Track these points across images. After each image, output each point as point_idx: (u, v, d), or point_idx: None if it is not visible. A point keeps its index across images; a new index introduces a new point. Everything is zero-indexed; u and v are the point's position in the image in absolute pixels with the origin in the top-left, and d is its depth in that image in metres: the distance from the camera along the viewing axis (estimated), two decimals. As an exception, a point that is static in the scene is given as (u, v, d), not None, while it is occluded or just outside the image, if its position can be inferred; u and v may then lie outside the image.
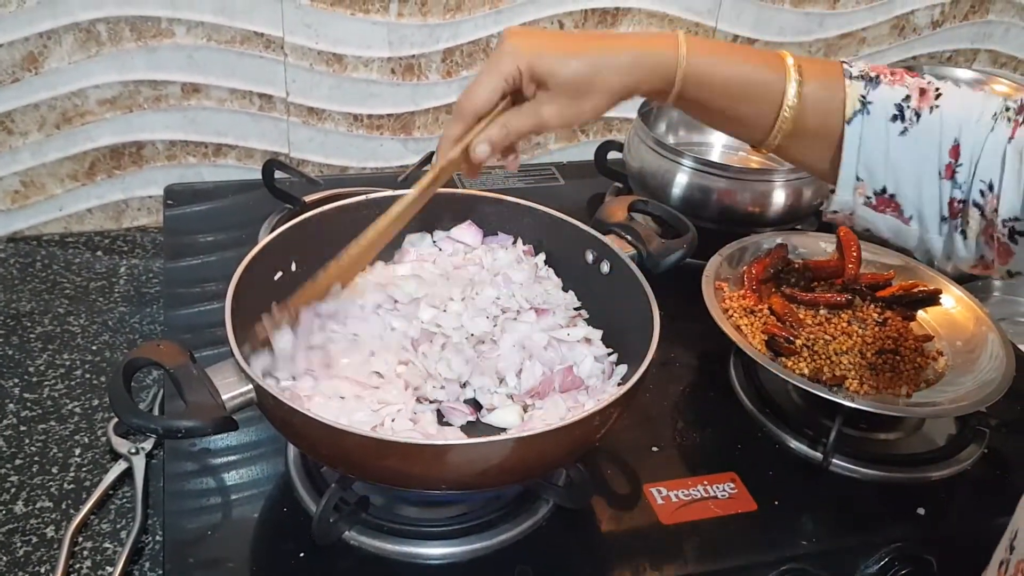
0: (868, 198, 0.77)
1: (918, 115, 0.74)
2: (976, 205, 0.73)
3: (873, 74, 0.76)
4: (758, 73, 0.76)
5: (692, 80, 0.75)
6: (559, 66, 0.74)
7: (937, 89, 0.75)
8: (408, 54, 1.36)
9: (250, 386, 0.72)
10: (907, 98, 0.74)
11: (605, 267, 0.94)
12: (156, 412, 0.99)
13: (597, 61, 0.75)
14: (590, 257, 0.95)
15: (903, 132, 0.74)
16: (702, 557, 0.84)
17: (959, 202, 0.74)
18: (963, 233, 0.75)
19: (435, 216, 1.00)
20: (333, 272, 0.85)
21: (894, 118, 0.74)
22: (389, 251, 0.99)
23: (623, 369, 0.88)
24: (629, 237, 0.95)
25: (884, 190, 0.76)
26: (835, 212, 0.80)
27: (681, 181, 1.21)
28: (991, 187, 0.72)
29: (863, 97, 0.74)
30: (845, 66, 0.76)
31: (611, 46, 0.76)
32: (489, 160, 0.79)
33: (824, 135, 0.76)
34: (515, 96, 0.77)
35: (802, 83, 0.75)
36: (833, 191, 0.79)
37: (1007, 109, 0.73)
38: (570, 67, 0.74)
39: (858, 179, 0.76)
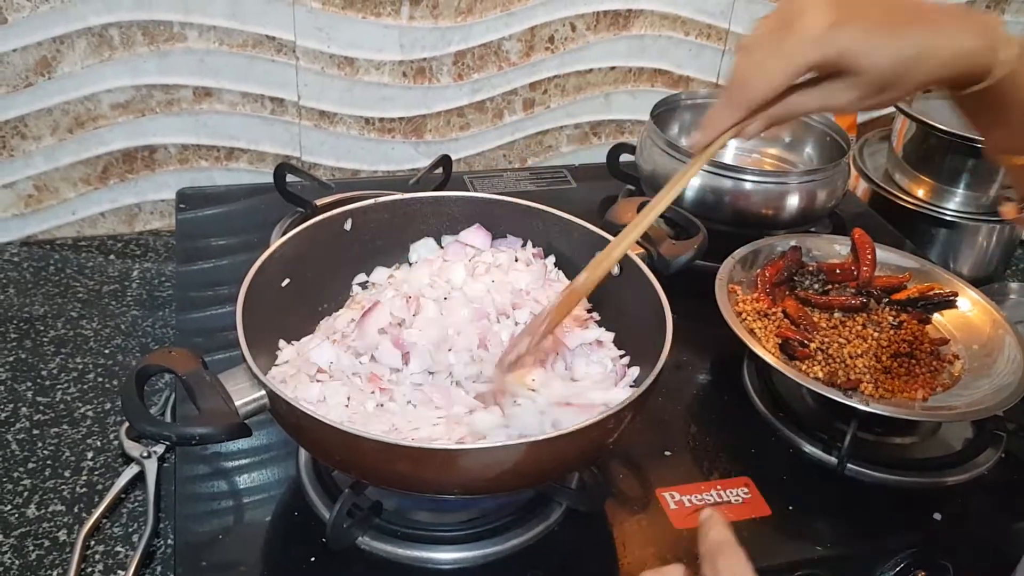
0: None
1: None
2: None
3: None
4: None
5: (1014, 77, 0.67)
6: (874, 58, 0.63)
7: None
8: (419, 57, 1.36)
9: (263, 391, 0.72)
10: None
11: (616, 269, 0.93)
12: (168, 416, 0.99)
13: (918, 54, 0.64)
14: (601, 259, 0.95)
15: None
16: (716, 562, 0.83)
17: None
18: None
19: (446, 218, 1.00)
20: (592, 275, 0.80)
21: None
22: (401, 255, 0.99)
23: (635, 371, 0.87)
24: (639, 239, 0.94)
25: None
26: None
27: (694, 183, 1.20)
28: None
29: None
30: None
31: (939, 28, 0.65)
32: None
33: None
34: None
35: None
36: None
37: None
38: (886, 60, 0.63)
39: None
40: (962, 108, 0.72)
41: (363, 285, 0.98)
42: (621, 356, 0.90)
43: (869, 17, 0.63)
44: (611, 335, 0.92)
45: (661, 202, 0.77)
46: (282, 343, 0.88)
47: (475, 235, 0.99)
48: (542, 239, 0.99)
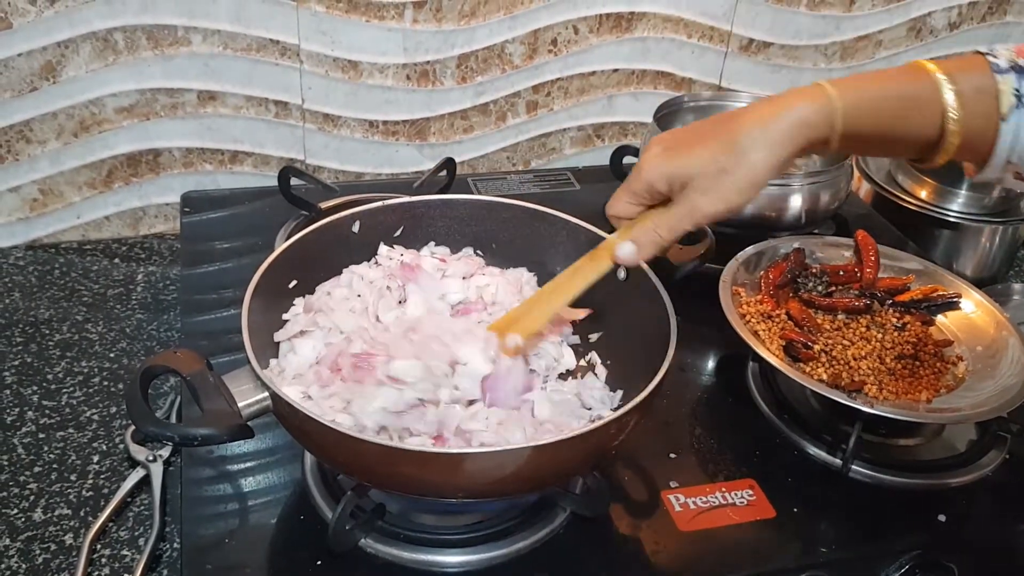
0: (1019, 173, 0.76)
1: None
2: None
3: (1021, 61, 0.73)
4: (912, 90, 0.74)
5: (854, 120, 0.74)
6: (692, 160, 0.75)
7: None
8: (423, 60, 1.36)
9: (266, 393, 0.72)
10: None
11: (622, 273, 0.92)
12: (173, 419, 1.00)
13: (738, 140, 0.74)
14: (606, 263, 0.95)
15: None
16: (720, 565, 0.83)
17: None
18: None
19: (454, 221, 1.00)
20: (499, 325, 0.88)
21: None
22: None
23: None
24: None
25: None
26: (979, 180, 0.80)
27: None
28: None
29: (1017, 91, 0.72)
30: (989, 59, 0.73)
31: (757, 122, 0.74)
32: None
33: (982, 136, 0.74)
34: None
35: (957, 89, 0.73)
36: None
37: None
38: (706, 155, 0.75)
39: (1009, 162, 0.75)
40: (846, 150, 0.84)
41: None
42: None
43: (686, 138, 0.78)
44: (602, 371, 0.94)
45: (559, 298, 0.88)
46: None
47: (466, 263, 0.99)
48: (546, 242, 0.99)
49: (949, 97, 0.73)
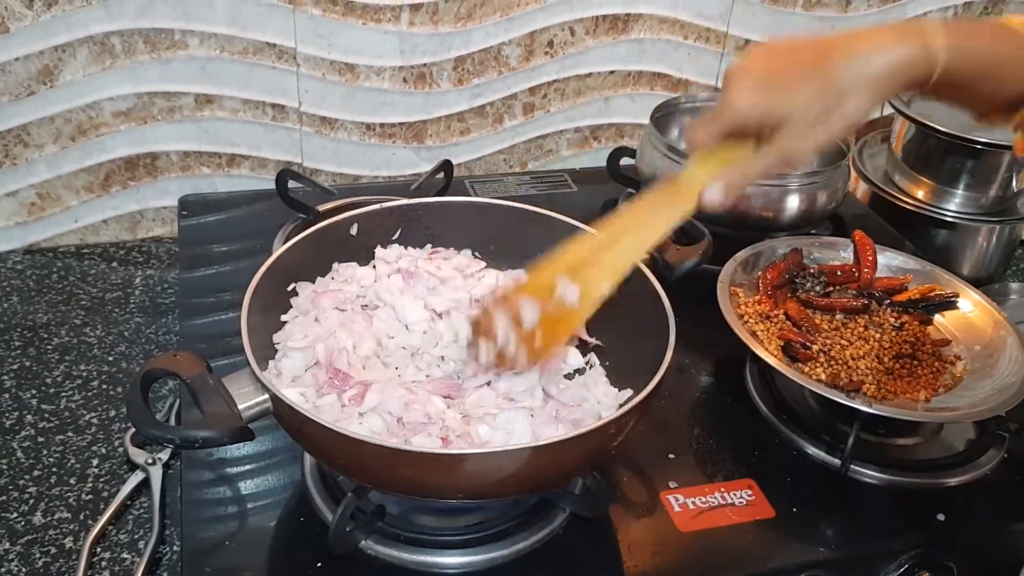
0: None
1: None
2: None
3: None
4: (1003, 47, 0.74)
5: (951, 67, 0.72)
6: (790, 104, 0.72)
7: None
8: (420, 63, 1.36)
9: (266, 395, 0.72)
10: None
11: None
12: (172, 422, 1.00)
13: (836, 83, 0.71)
14: (604, 264, 0.95)
15: None
16: (720, 565, 0.83)
17: None
18: None
19: (451, 223, 1.00)
20: (556, 263, 0.83)
21: None
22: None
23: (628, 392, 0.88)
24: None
25: None
26: None
27: (695, 187, 1.20)
28: None
29: None
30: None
31: (854, 57, 0.72)
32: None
33: None
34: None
35: None
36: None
37: None
38: (803, 100, 0.72)
39: None
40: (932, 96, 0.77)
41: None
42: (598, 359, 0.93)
43: (782, 76, 0.73)
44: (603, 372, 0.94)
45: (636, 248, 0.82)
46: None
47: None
48: (545, 244, 0.99)
49: None
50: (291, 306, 0.91)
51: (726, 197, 0.76)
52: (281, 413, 0.73)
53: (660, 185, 0.80)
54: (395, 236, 0.98)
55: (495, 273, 0.97)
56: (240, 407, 0.72)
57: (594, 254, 0.82)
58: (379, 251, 0.97)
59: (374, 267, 0.96)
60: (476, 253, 1.01)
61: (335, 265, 0.95)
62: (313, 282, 0.93)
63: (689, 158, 0.78)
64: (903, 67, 0.71)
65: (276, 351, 0.87)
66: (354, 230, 0.95)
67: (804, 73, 0.72)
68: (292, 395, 0.77)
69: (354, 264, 0.96)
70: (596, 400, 0.87)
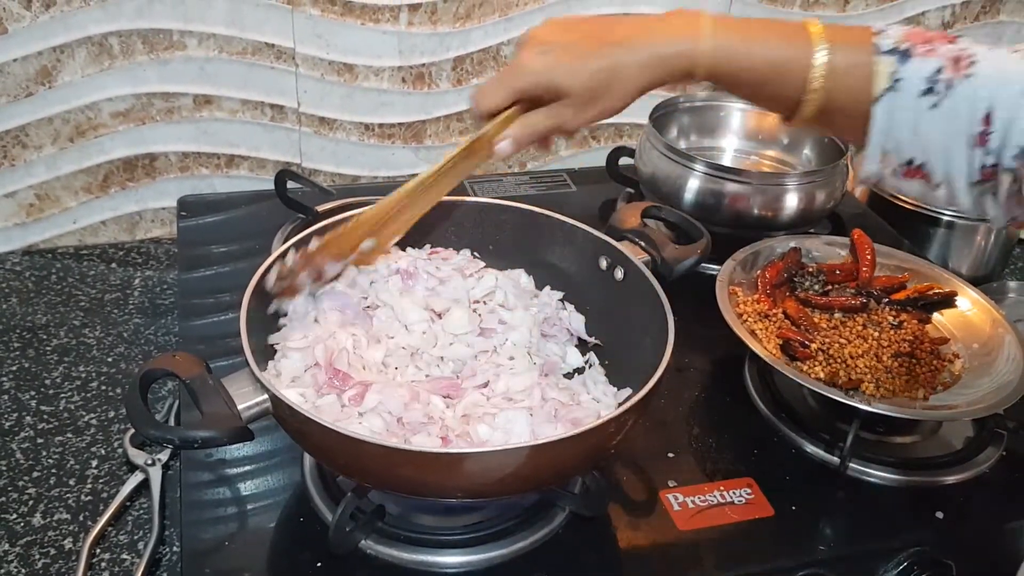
0: (895, 169, 0.76)
1: (949, 86, 0.71)
2: (1008, 170, 0.71)
3: (905, 46, 0.73)
4: (784, 52, 0.76)
5: (715, 67, 0.77)
6: (570, 80, 0.78)
7: (971, 56, 0.72)
8: (418, 63, 1.37)
9: (265, 396, 0.72)
10: (939, 70, 0.71)
11: (619, 274, 0.94)
12: (172, 422, 1.00)
13: (613, 65, 0.77)
14: (604, 264, 0.95)
15: (933, 106, 0.72)
16: (719, 564, 0.84)
17: (990, 167, 0.72)
18: (994, 195, 0.73)
19: (450, 223, 1.00)
20: (365, 219, 0.89)
21: (925, 92, 0.72)
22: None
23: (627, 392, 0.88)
24: (643, 243, 0.95)
25: (911, 162, 0.75)
26: (864, 179, 0.80)
27: (693, 186, 1.21)
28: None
29: (893, 74, 0.72)
30: (876, 38, 0.74)
31: (628, 44, 0.77)
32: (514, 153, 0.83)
33: (853, 111, 0.75)
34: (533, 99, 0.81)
35: (829, 60, 0.74)
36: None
37: None
38: (580, 80, 0.78)
39: (885, 152, 0.75)
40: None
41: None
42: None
43: (569, 49, 0.78)
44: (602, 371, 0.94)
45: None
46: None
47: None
48: (543, 243, 1.00)
49: (819, 64, 0.74)
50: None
51: (515, 149, 0.82)
52: (281, 413, 0.73)
53: (458, 147, 0.86)
54: None
55: (494, 273, 0.98)
56: (240, 407, 0.72)
57: (394, 213, 0.90)
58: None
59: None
60: (475, 253, 1.01)
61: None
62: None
63: (478, 118, 0.84)
64: (668, 60, 0.77)
65: (275, 351, 0.87)
66: None
67: (587, 50, 0.78)
68: (292, 395, 0.77)
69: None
70: (595, 399, 0.87)
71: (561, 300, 0.99)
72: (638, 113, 1.52)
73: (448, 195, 0.92)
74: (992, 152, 0.71)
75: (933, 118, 0.72)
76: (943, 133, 0.72)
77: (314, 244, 0.88)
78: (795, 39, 0.76)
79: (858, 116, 0.75)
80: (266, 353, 0.85)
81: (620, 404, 0.80)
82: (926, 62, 0.72)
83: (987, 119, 0.71)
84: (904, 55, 0.73)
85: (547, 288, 0.99)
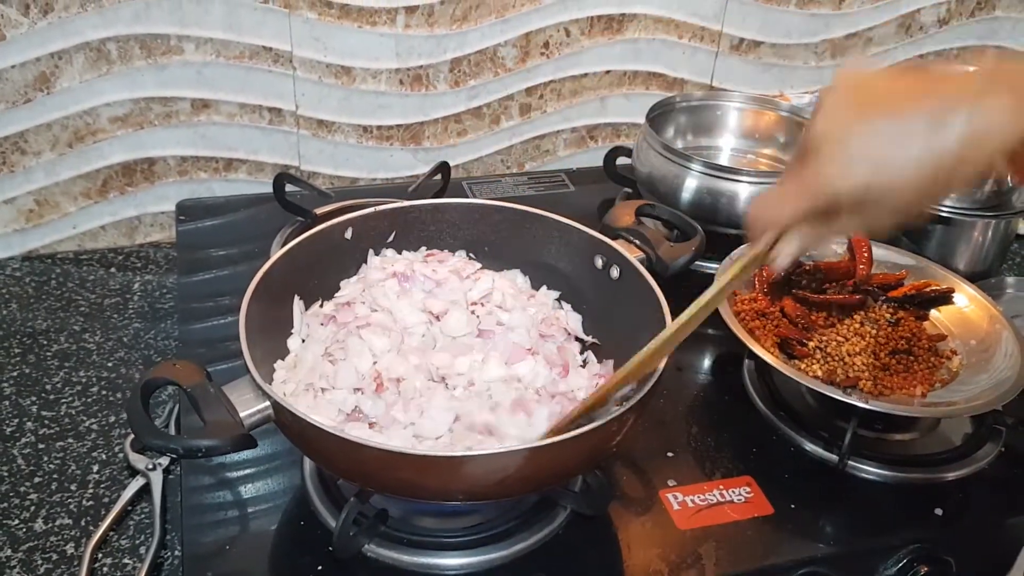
0: None
1: None
2: None
3: None
4: None
5: None
6: (895, 195, 0.60)
7: None
8: (416, 65, 1.37)
9: (267, 403, 0.73)
10: None
11: (615, 272, 0.94)
12: (172, 427, 1.00)
13: (951, 166, 0.58)
14: (599, 263, 0.96)
15: None
16: (719, 562, 0.84)
17: None
18: None
19: (446, 224, 1.01)
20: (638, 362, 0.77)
21: None
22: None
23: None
24: (637, 241, 0.95)
25: None
26: None
27: (691, 185, 1.21)
28: None
29: None
30: None
31: (966, 147, 0.58)
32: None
33: None
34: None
35: None
36: None
37: None
38: (910, 191, 0.59)
39: None
40: None
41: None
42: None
43: (890, 151, 0.59)
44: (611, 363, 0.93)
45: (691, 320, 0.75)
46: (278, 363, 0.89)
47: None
48: (539, 243, 1.00)
49: None
50: (291, 311, 0.91)
51: (794, 260, 0.69)
52: (283, 420, 0.73)
53: (730, 271, 0.73)
54: (390, 239, 0.99)
55: (491, 274, 0.98)
56: (242, 415, 0.72)
57: (661, 345, 0.76)
58: (371, 258, 0.98)
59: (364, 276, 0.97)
60: (471, 254, 1.01)
61: (342, 283, 0.96)
62: (319, 303, 0.94)
63: (756, 239, 0.69)
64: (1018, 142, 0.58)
65: (277, 353, 0.88)
66: (348, 234, 0.95)
67: (918, 149, 0.58)
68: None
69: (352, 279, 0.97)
70: None
71: (558, 299, 0.99)
72: (635, 113, 1.53)
73: (445, 197, 0.92)
74: None
75: None
76: None
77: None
78: None
79: None
80: (268, 356, 0.86)
81: (619, 403, 0.80)
82: None
83: None
84: None
85: (543, 288, 1.00)
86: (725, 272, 0.73)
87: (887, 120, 0.59)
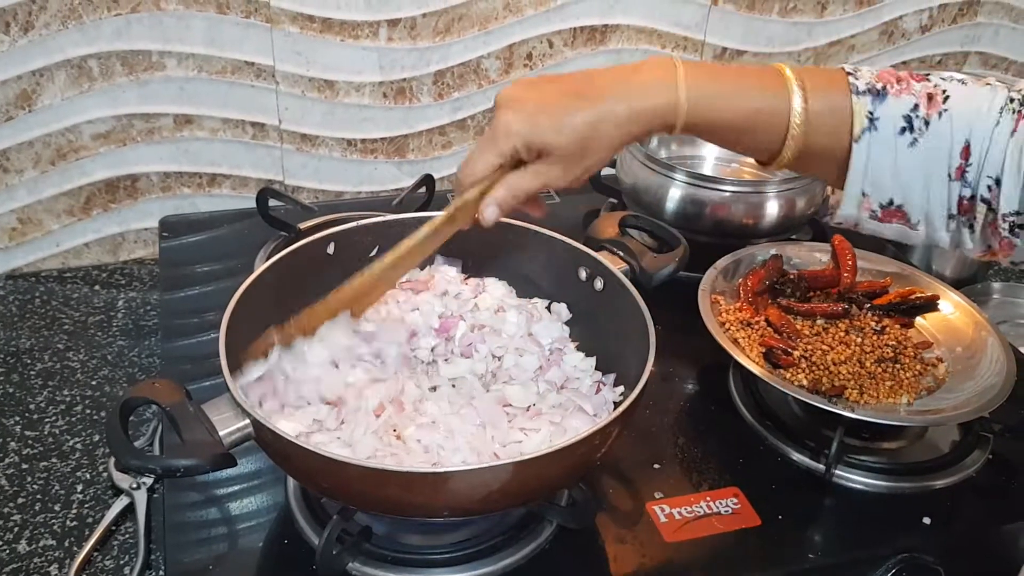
0: (873, 211, 0.76)
1: (927, 123, 0.73)
2: (983, 200, 0.73)
3: (879, 86, 0.74)
4: (761, 102, 0.75)
5: (693, 120, 0.75)
6: (555, 137, 0.75)
7: (944, 92, 0.73)
8: (399, 78, 1.37)
9: (247, 421, 0.72)
10: (915, 108, 0.73)
11: (599, 284, 0.94)
12: (157, 445, 0.99)
13: (593, 123, 0.75)
14: (583, 274, 0.95)
15: (912, 144, 0.73)
16: (708, 575, 0.83)
17: (968, 199, 0.73)
18: (970, 227, 0.75)
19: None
20: (342, 296, 0.86)
21: (903, 131, 0.73)
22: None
23: (619, 390, 0.88)
24: (621, 253, 0.95)
25: (891, 202, 0.75)
26: (840, 222, 0.80)
27: (674, 195, 1.21)
28: (997, 182, 0.71)
29: (871, 113, 0.73)
30: (850, 79, 0.74)
31: (606, 99, 0.75)
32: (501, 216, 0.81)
33: (832, 152, 0.75)
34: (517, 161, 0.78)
35: (807, 105, 0.74)
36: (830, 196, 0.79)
37: (1011, 101, 0.72)
38: (566, 136, 0.75)
39: (864, 194, 0.75)
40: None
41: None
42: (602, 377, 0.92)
43: (548, 107, 0.75)
44: (592, 360, 0.93)
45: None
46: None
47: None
48: (522, 256, 1.00)
49: (797, 110, 0.74)
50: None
51: (501, 213, 0.80)
52: (263, 438, 0.73)
53: (439, 215, 0.84)
54: (372, 253, 0.98)
55: (475, 282, 0.98)
56: (221, 433, 0.71)
57: (372, 285, 0.88)
58: None
59: None
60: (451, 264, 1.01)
61: None
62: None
63: (463, 190, 0.81)
64: (646, 115, 0.75)
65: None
66: (331, 249, 0.95)
67: (569, 107, 0.75)
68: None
69: None
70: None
71: (548, 307, 0.99)
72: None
73: (430, 209, 0.92)
74: (969, 184, 0.73)
75: (912, 155, 0.73)
76: (922, 170, 0.73)
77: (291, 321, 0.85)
78: (771, 87, 0.75)
79: (836, 158, 0.75)
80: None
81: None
82: (901, 100, 0.73)
83: (965, 152, 0.72)
84: (879, 94, 0.73)
85: (527, 299, 0.99)
86: (431, 220, 0.84)
87: (545, 98, 0.76)
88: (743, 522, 0.88)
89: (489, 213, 0.80)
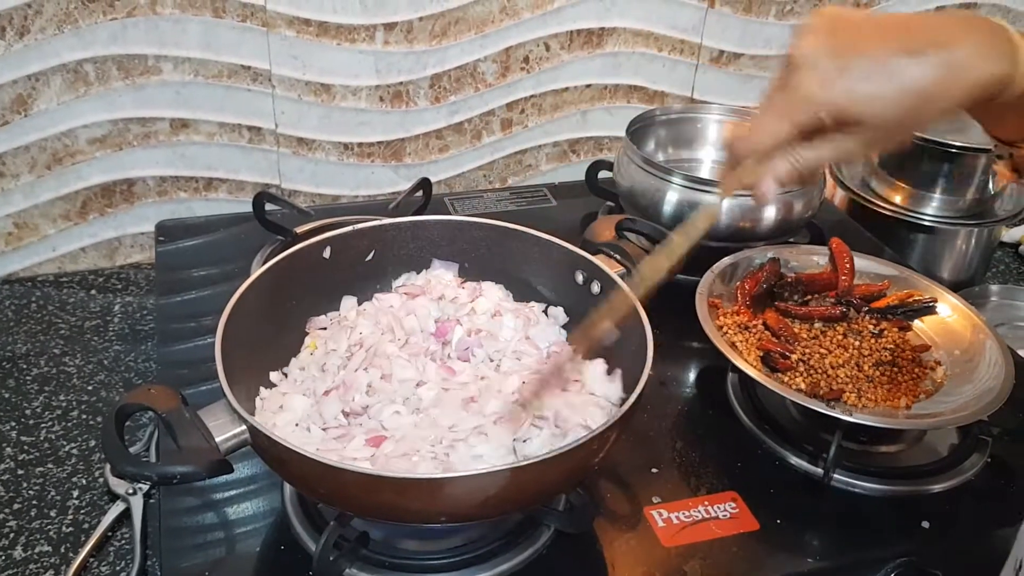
0: None
1: None
2: None
3: None
4: None
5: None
6: (875, 107, 0.61)
7: None
8: (396, 81, 1.37)
9: (243, 427, 0.72)
10: None
11: (596, 288, 0.94)
12: (153, 450, 0.99)
13: (928, 91, 0.61)
14: (580, 278, 0.95)
15: None
16: (705, 579, 0.83)
17: None
18: None
19: (426, 242, 1.00)
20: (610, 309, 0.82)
21: None
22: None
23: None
24: (618, 256, 0.95)
25: None
26: None
27: (672, 198, 1.21)
28: None
29: None
30: None
31: (944, 65, 0.61)
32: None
33: None
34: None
35: None
36: None
37: None
38: (890, 105, 0.61)
39: None
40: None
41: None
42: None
43: (867, 67, 0.61)
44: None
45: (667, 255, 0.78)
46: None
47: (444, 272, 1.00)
48: (520, 260, 0.99)
49: None
50: (269, 331, 0.90)
51: (776, 192, 0.68)
52: (259, 444, 0.73)
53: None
54: (368, 257, 0.98)
55: (471, 285, 0.98)
56: (217, 440, 0.71)
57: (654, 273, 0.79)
58: (345, 302, 0.98)
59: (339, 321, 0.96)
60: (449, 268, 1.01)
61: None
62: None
63: (738, 162, 0.68)
64: (988, 87, 0.62)
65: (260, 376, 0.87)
66: (327, 253, 0.95)
67: (895, 68, 0.61)
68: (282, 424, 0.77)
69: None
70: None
71: (545, 311, 0.99)
72: (617, 126, 1.53)
73: (426, 213, 0.92)
74: None
75: None
76: None
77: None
78: None
79: None
80: (250, 379, 0.85)
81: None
82: None
83: None
84: None
85: (524, 303, 0.99)
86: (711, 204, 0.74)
87: (862, 51, 0.62)
88: (741, 526, 0.88)
89: (769, 190, 0.67)
